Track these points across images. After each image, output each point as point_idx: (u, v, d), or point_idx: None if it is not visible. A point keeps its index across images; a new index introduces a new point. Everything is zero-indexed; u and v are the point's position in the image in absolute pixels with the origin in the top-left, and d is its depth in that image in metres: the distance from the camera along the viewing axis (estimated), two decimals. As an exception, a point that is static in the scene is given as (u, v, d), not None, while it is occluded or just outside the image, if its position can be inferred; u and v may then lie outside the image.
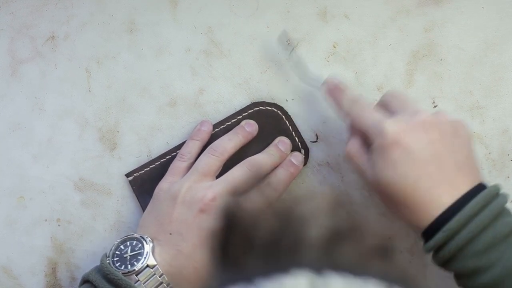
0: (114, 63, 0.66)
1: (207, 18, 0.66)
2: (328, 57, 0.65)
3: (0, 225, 0.65)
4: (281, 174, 0.60)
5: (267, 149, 0.62)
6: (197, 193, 0.56)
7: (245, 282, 0.28)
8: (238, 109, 0.64)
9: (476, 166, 0.53)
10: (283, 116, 0.63)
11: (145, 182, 0.63)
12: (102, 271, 0.55)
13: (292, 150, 0.62)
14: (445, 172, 0.51)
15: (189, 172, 0.59)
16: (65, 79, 0.66)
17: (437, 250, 0.51)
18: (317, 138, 0.64)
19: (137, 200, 0.63)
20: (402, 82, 0.64)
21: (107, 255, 0.56)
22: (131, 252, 0.56)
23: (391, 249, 0.38)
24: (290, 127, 0.63)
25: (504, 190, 0.53)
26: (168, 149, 0.64)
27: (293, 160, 0.61)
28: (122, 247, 0.56)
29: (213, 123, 0.63)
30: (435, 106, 0.64)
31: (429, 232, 0.51)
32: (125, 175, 0.64)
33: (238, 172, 0.59)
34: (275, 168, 0.61)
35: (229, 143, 0.60)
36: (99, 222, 0.65)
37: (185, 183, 0.58)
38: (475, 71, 0.64)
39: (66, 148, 0.66)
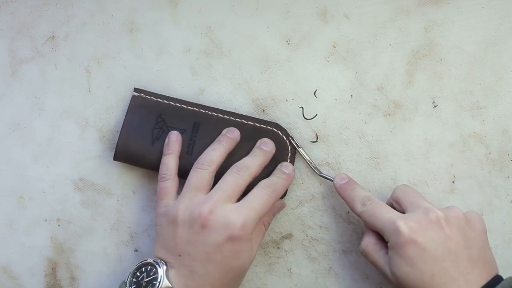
0: (114, 63, 0.66)
1: (207, 18, 0.66)
2: (328, 57, 0.65)
3: (0, 225, 0.65)
4: (275, 179, 0.61)
5: (251, 152, 0.62)
6: (194, 210, 0.56)
7: None
8: (238, 109, 0.64)
9: (492, 258, 0.55)
10: (290, 153, 0.63)
11: (143, 106, 0.63)
12: None
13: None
14: (460, 267, 0.53)
15: (182, 191, 0.59)
16: (65, 79, 0.66)
17: None
18: (317, 138, 0.64)
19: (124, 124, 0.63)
20: (402, 82, 0.64)
21: (125, 283, 0.56)
22: (147, 277, 0.56)
23: None
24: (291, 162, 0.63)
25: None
26: (183, 99, 0.64)
27: (284, 169, 0.61)
28: (138, 273, 0.57)
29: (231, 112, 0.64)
30: (435, 106, 0.64)
31: None
32: (134, 88, 0.64)
33: (229, 179, 0.59)
34: (268, 174, 0.61)
35: (214, 153, 0.60)
36: (99, 222, 0.65)
37: (181, 203, 0.58)
38: (475, 71, 0.64)
39: (66, 148, 0.66)
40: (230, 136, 0.62)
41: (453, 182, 0.63)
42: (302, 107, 0.64)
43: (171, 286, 0.55)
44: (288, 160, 0.63)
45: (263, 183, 0.60)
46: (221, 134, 0.62)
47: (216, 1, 0.66)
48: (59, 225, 0.65)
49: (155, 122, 0.63)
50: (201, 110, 0.63)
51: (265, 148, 0.62)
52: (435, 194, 0.63)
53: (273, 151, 0.62)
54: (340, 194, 0.61)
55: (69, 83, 0.66)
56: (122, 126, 0.63)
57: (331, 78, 0.65)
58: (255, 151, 0.62)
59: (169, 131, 0.62)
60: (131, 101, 0.63)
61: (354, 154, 0.64)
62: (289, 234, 0.64)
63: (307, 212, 0.64)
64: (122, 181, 0.65)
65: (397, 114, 0.64)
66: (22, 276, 0.65)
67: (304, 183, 0.64)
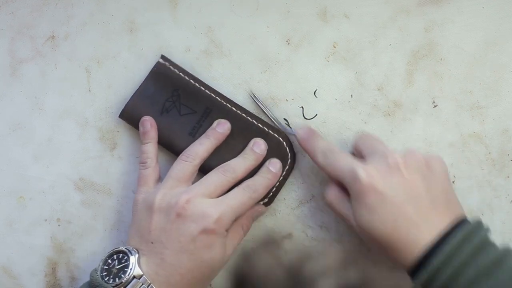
0: (114, 63, 0.66)
1: (207, 18, 0.66)
2: (328, 57, 0.65)
3: (0, 225, 0.65)
4: (259, 180, 0.61)
5: (242, 153, 0.62)
6: (172, 199, 0.57)
7: None
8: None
9: (455, 200, 0.54)
10: (288, 167, 0.63)
11: (164, 75, 0.63)
12: (92, 285, 0.56)
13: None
14: (422, 210, 0.52)
15: (163, 180, 0.60)
16: (65, 79, 0.66)
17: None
18: (317, 138, 0.64)
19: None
20: (402, 82, 0.64)
21: (96, 270, 0.56)
22: (118, 265, 0.56)
23: None
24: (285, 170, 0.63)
25: (486, 222, 0.53)
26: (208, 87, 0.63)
27: (270, 168, 0.61)
28: (109, 261, 0.56)
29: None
30: (435, 106, 0.64)
31: (416, 271, 0.52)
32: (161, 55, 0.64)
33: (213, 177, 0.59)
34: (252, 172, 0.61)
35: (200, 147, 0.61)
36: (99, 222, 0.65)
37: (160, 191, 0.58)
38: (475, 71, 0.64)
39: (66, 148, 0.66)
40: (219, 131, 0.62)
41: (453, 182, 0.63)
42: (302, 107, 0.64)
43: (142, 274, 0.55)
44: (287, 166, 0.62)
45: (245, 183, 0.60)
46: (210, 128, 0.62)
47: (216, 1, 0.66)
48: (59, 225, 0.65)
49: (171, 94, 0.63)
50: (217, 97, 0.63)
51: (257, 150, 0.61)
52: (435, 194, 0.63)
53: (264, 153, 0.62)
54: (302, 148, 0.60)
55: (69, 83, 0.66)
56: (138, 87, 0.63)
57: (331, 78, 0.65)
58: (247, 152, 0.61)
59: (181, 107, 0.62)
60: (154, 66, 0.64)
61: (354, 154, 0.64)
62: (289, 234, 0.64)
63: (307, 212, 0.64)
64: (122, 181, 0.65)
65: (397, 114, 0.64)
66: (22, 276, 0.65)
67: (304, 183, 0.64)
